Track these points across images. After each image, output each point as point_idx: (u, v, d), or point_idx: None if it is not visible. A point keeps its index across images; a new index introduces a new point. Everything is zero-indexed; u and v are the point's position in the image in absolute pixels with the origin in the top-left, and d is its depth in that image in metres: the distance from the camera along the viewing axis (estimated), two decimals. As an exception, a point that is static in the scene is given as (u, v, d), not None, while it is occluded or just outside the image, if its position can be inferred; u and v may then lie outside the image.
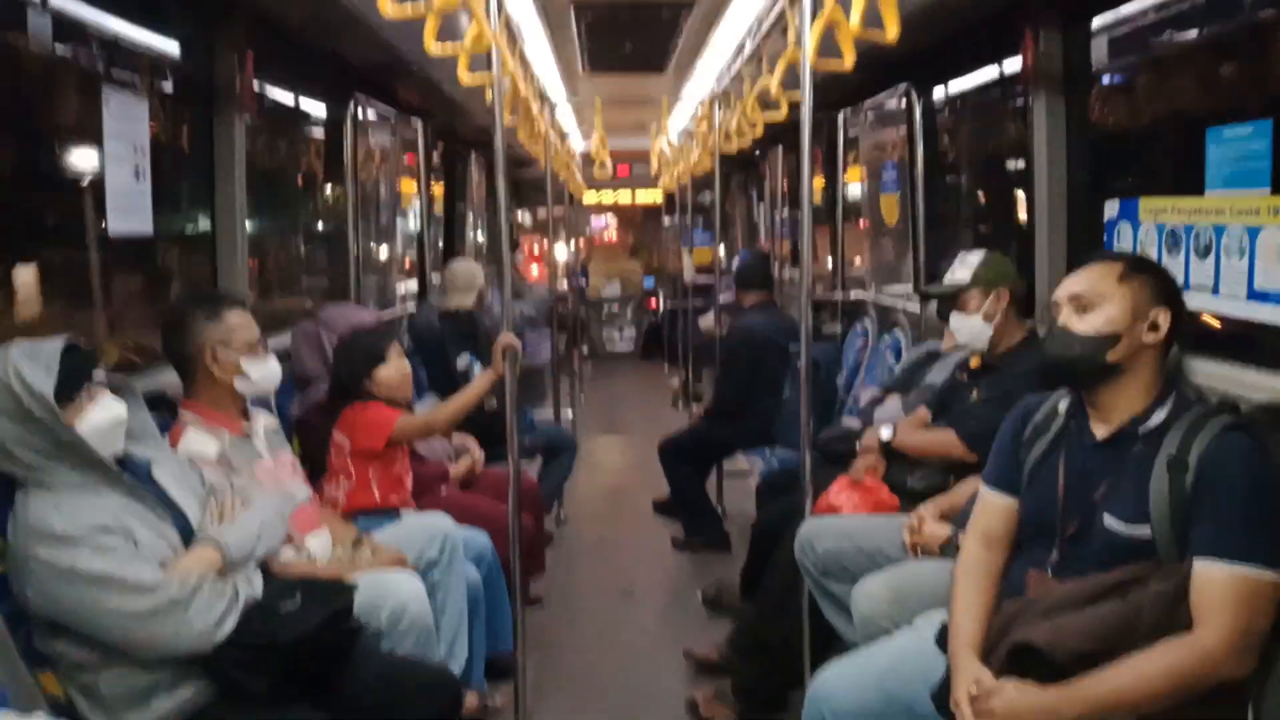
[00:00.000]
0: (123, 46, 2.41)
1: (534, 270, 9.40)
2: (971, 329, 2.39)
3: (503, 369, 2.41)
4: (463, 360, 3.74)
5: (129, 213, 2.31)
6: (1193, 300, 1.89)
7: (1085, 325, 1.59)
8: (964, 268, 2.41)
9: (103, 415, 1.62)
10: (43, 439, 1.55)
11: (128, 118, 2.29)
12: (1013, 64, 3.10)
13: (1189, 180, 2.13)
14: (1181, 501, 1.46)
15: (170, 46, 2.63)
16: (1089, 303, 1.59)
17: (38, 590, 1.52)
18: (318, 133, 3.88)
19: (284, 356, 2.74)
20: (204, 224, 2.78)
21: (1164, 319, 1.57)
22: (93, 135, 2.21)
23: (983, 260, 2.40)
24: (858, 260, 5.05)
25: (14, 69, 2.09)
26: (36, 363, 1.55)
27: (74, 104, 2.29)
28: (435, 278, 5.02)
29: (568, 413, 5.93)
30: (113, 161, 2.25)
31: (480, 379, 2.68)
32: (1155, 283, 1.60)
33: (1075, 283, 1.63)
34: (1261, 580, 1.39)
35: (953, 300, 2.42)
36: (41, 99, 2.22)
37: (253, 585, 1.70)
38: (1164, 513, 1.47)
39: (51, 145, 2.30)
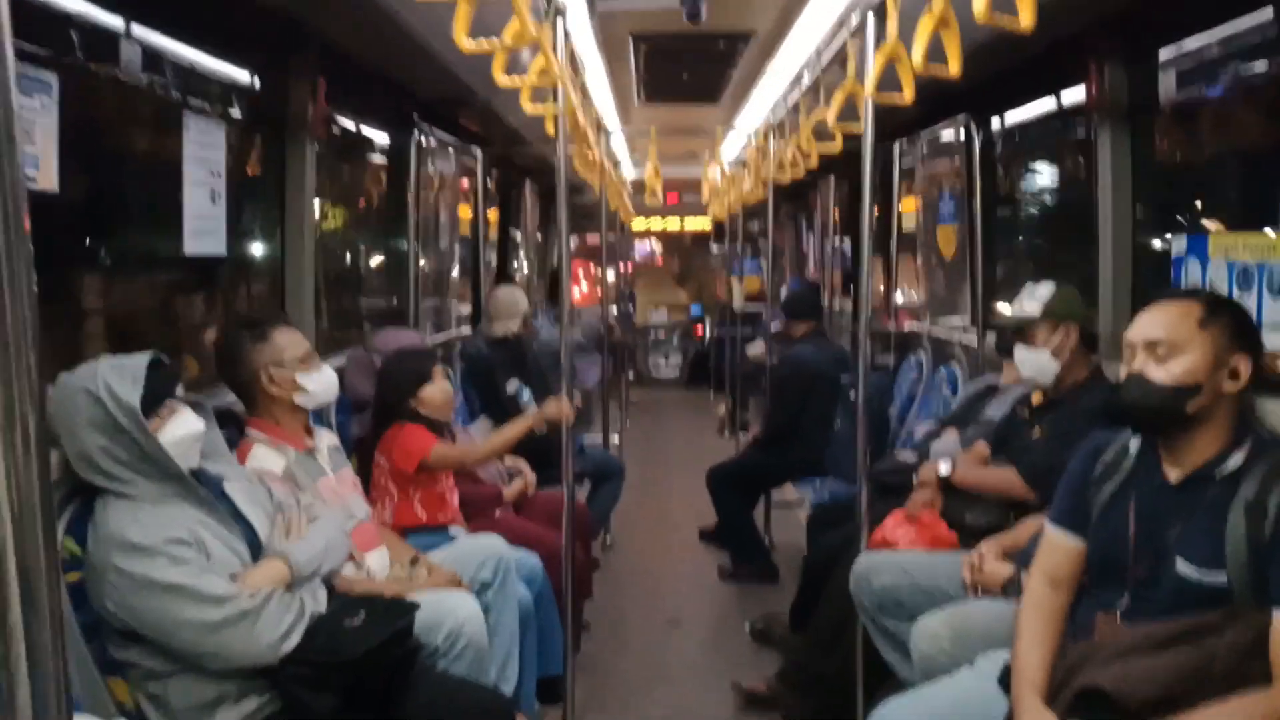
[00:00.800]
0: (201, 75, 2.50)
1: (577, 293, 9.48)
2: (1037, 363, 2.34)
3: (541, 425, 2.43)
4: (512, 385, 3.78)
5: (205, 235, 2.39)
6: (1268, 339, 1.85)
7: (1164, 374, 1.54)
8: (1033, 300, 2.35)
9: (183, 429, 1.68)
10: (127, 450, 1.61)
11: (206, 143, 2.38)
12: (1074, 95, 3.07)
13: (1259, 215, 2.08)
14: (1260, 548, 1.42)
15: (245, 76, 2.73)
16: (1168, 350, 1.55)
17: (114, 598, 1.57)
18: (381, 159, 3.98)
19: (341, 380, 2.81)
20: (274, 247, 2.86)
21: (1244, 366, 1.53)
22: (174, 159, 2.29)
23: (1054, 293, 2.35)
24: (911, 291, 5.01)
25: (105, 97, 2.18)
26: (124, 376, 1.61)
27: (156, 129, 2.38)
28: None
29: (614, 438, 5.95)
30: (191, 185, 2.33)
31: (519, 424, 2.76)
32: (1234, 326, 1.56)
33: (1152, 326, 1.58)
34: None
35: (1018, 333, 2.38)
36: (128, 124, 2.31)
37: (318, 600, 1.74)
38: (1241, 559, 1.43)
39: (135, 169, 2.39)
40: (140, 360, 1.66)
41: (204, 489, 1.71)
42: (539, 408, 2.82)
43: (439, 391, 2.69)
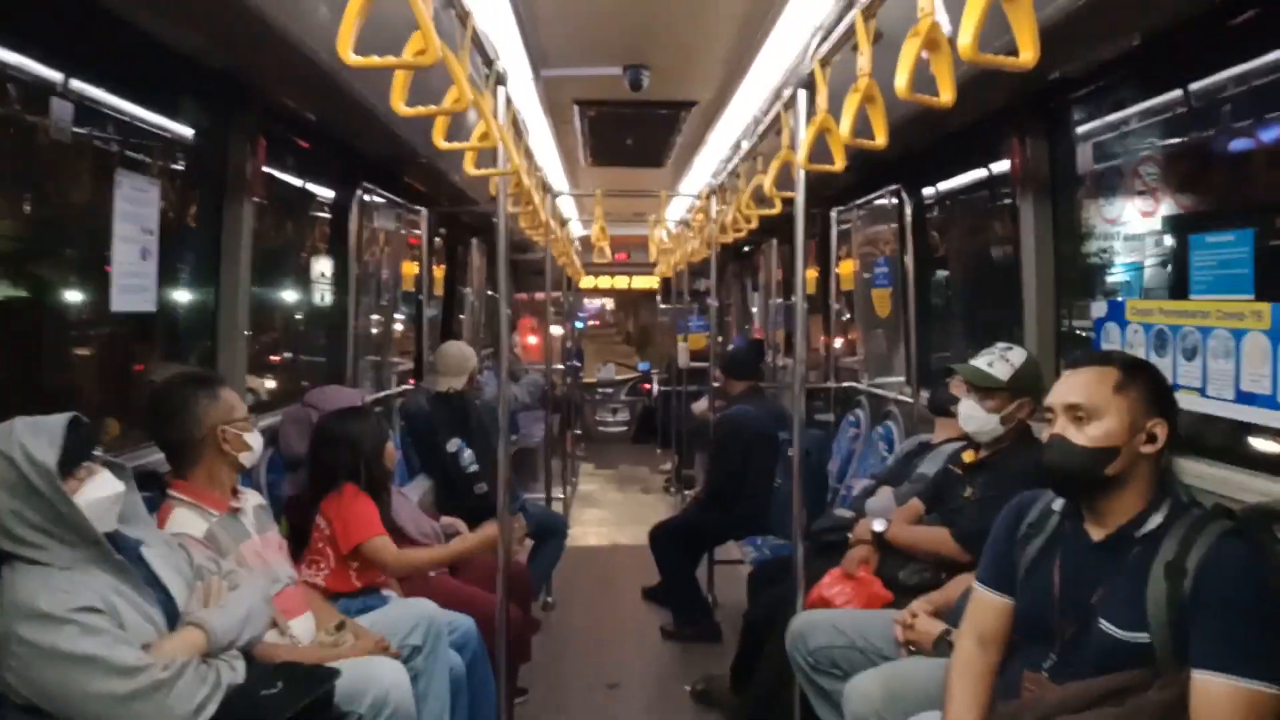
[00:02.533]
0: (137, 130, 2.48)
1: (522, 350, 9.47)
2: (982, 422, 2.39)
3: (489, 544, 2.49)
4: (453, 444, 3.73)
5: (133, 291, 2.35)
6: (1181, 400, 1.92)
7: (1083, 438, 1.60)
8: (1004, 364, 2.38)
9: (101, 491, 1.62)
10: (41, 513, 1.55)
11: (138, 199, 2.35)
12: (1001, 166, 3.21)
13: (1175, 282, 2.18)
14: (1180, 608, 1.45)
15: (185, 131, 2.71)
16: (1086, 414, 1.60)
17: (17, 671, 1.49)
18: (322, 216, 3.97)
19: (270, 438, 2.76)
20: (207, 302, 2.81)
21: (1160, 430, 1.59)
22: (104, 215, 2.25)
23: (1024, 363, 2.38)
24: (846, 349, 5.11)
25: (34, 150, 2.15)
26: (40, 436, 1.56)
27: (87, 185, 2.34)
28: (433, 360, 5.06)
29: (558, 494, 5.89)
30: (120, 241, 2.29)
31: (469, 540, 2.76)
32: (1150, 391, 1.62)
33: (1071, 391, 1.64)
34: (1263, 695, 1.37)
35: (974, 388, 2.40)
36: (57, 179, 2.28)
37: (236, 670, 1.67)
38: (1162, 620, 1.46)
39: (64, 223, 2.35)
40: (58, 420, 1.60)
41: (120, 554, 1.64)
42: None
43: (390, 450, 2.69)
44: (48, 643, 1.48)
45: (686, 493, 6.10)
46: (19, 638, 1.49)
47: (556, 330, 6.55)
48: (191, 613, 1.69)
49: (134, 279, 2.33)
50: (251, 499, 2.20)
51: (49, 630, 1.49)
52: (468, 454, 3.67)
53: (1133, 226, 2.56)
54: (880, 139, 1.86)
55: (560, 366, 6.60)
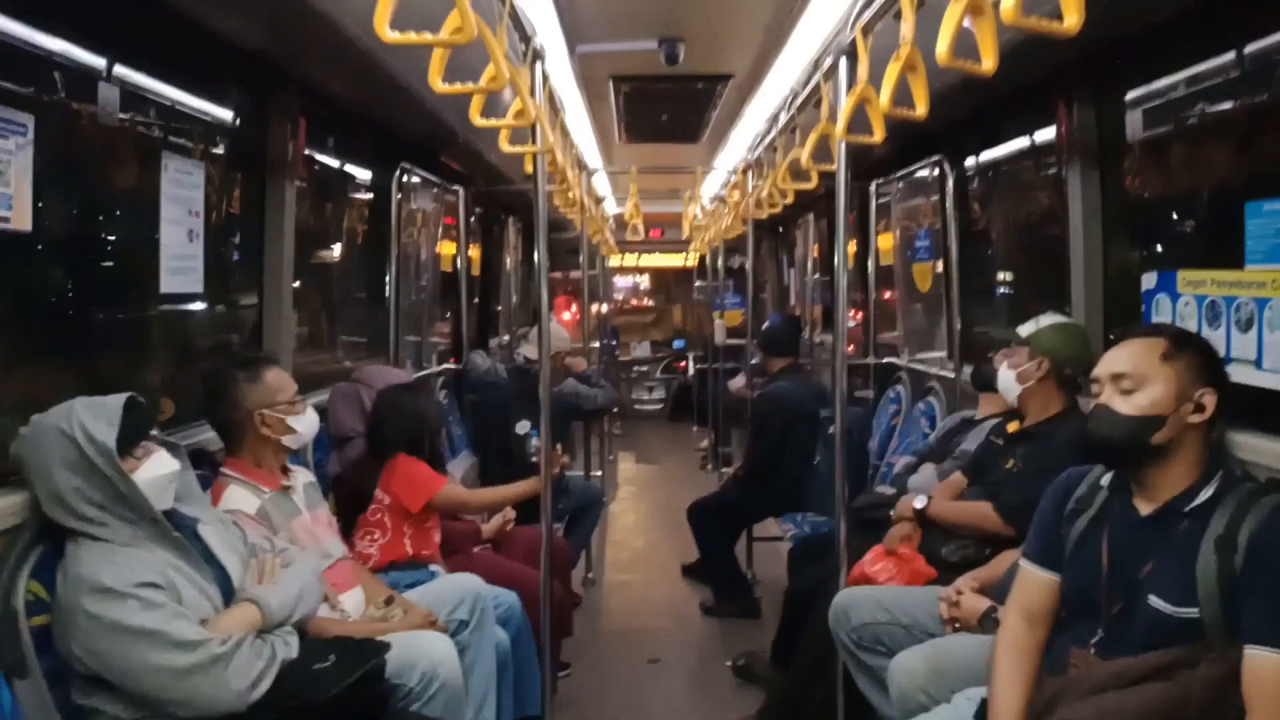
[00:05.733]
0: (181, 114, 2.51)
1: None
2: (1005, 380, 2.43)
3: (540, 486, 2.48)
4: (522, 426, 3.74)
5: (181, 273, 2.39)
6: (1235, 374, 1.88)
7: (1129, 406, 1.57)
8: (1032, 324, 2.43)
9: (158, 470, 1.67)
10: (101, 491, 1.59)
11: (184, 182, 2.39)
12: (1046, 134, 3.14)
13: (1228, 252, 2.12)
14: (1231, 583, 1.43)
15: (226, 115, 2.74)
16: (1133, 383, 1.58)
17: (82, 642, 1.54)
18: (363, 197, 4.00)
19: (321, 414, 2.80)
20: (252, 284, 2.86)
21: (1209, 400, 1.56)
22: (151, 199, 2.30)
23: (1051, 326, 2.40)
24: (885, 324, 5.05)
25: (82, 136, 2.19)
26: (99, 416, 1.60)
27: (134, 169, 2.39)
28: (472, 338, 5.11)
29: (596, 471, 5.92)
30: (168, 223, 2.33)
31: (527, 484, 2.76)
32: (1199, 361, 1.59)
33: (1118, 361, 1.61)
34: None
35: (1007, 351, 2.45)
36: (105, 164, 2.32)
37: (289, 646, 1.71)
38: (1212, 594, 1.44)
39: (113, 208, 2.39)
40: (116, 400, 1.65)
41: (178, 531, 1.69)
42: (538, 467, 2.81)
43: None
44: (111, 616, 1.53)
45: (724, 470, 6.10)
46: (84, 611, 1.54)
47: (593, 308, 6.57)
48: (247, 589, 1.74)
49: (182, 260, 2.37)
50: (301, 476, 2.24)
51: (112, 604, 1.53)
52: (535, 441, 3.68)
53: (1185, 194, 2.50)
54: (921, 109, 1.82)
55: (596, 345, 6.61)
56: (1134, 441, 1.56)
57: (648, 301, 11.38)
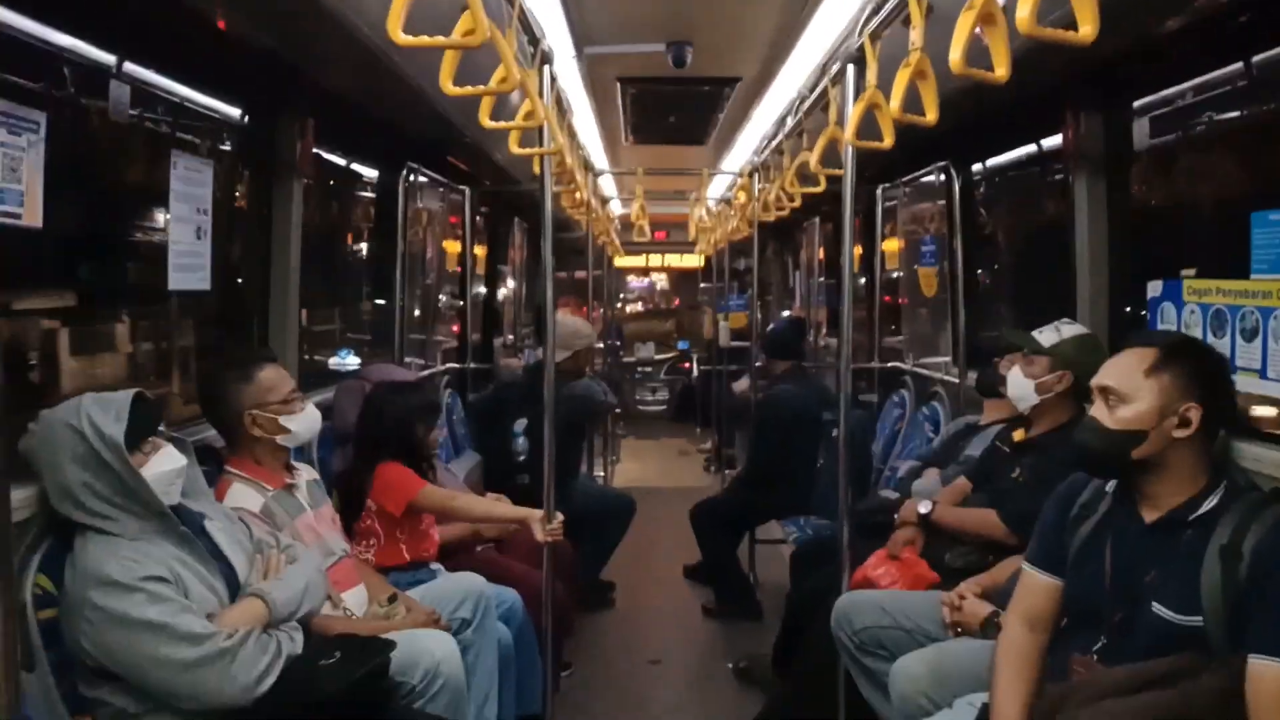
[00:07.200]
0: (190, 112, 2.52)
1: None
2: (1021, 388, 2.38)
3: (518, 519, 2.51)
4: (519, 425, 3.73)
5: (189, 270, 2.40)
6: (1240, 382, 1.88)
7: (1112, 420, 1.59)
8: (1053, 333, 2.37)
9: (165, 465, 1.68)
10: (109, 485, 1.60)
11: (193, 180, 2.40)
12: (1053, 142, 3.14)
13: (1234, 261, 2.12)
14: (1235, 592, 1.43)
15: (235, 114, 2.75)
16: (1118, 397, 1.59)
17: (89, 635, 1.55)
18: (369, 196, 4.01)
19: (326, 411, 2.80)
20: (259, 282, 2.87)
21: (1194, 414, 1.55)
22: (160, 196, 2.31)
23: (1074, 336, 2.35)
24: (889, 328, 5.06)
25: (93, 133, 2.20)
26: (108, 411, 1.62)
27: (144, 166, 2.40)
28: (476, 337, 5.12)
29: (599, 473, 5.93)
30: (176, 221, 2.34)
31: (513, 510, 2.69)
32: (1189, 373, 1.57)
33: (1106, 374, 1.63)
34: None
35: (1023, 357, 2.40)
36: (116, 161, 2.33)
37: (295, 642, 1.72)
38: (1217, 603, 1.44)
39: (122, 205, 2.40)
40: (124, 396, 1.66)
41: (184, 526, 1.70)
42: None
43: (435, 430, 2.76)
44: (118, 609, 1.54)
45: (727, 472, 6.10)
46: (91, 604, 1.55)
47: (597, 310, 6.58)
48: (253, 585, 1.75)
49: (190, 258, 2.38)
50: (305, 474, 2.25)
51: (119, 597, 1.55)
52: (522, 441, 3.68)
53: (1190, 203, 2.49)
54: (931, 115, 1.82)
55: (601, 345, 6.62)
56: (1115, 456, 1.58)
57: (675, 302, 11.26)
